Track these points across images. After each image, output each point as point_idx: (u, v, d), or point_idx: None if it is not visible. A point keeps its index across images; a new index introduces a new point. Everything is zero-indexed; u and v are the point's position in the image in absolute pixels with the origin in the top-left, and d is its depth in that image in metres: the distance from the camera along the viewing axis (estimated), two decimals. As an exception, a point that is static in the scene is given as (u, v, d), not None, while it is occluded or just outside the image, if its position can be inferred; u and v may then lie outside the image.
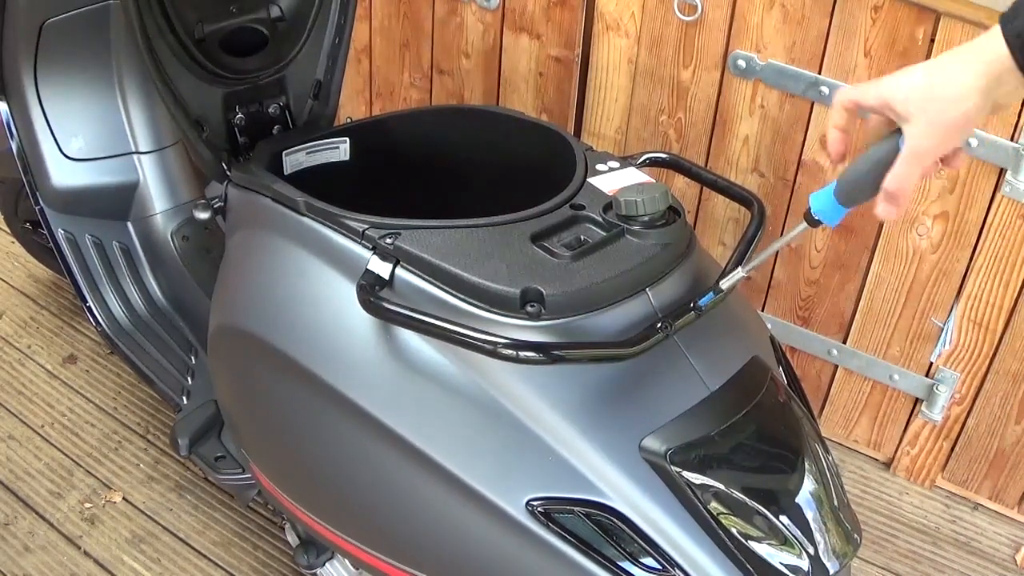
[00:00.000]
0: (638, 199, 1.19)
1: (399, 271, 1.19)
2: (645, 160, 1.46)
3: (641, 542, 1.10)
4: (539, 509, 1.12)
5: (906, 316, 1.90)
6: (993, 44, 0.86)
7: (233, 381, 1.52)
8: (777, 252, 1.96)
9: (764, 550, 1.11)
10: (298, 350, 1.30)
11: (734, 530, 1.10)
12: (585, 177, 1.33)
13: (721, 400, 1.16)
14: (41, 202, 1.87)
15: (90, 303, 1.89)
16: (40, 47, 1.76)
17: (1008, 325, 1.80)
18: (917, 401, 1.98)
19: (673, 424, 1.12)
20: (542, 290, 1.12)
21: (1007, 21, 0.85)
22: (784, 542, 1.12)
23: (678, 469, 1.10)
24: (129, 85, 1.87)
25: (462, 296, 1.15)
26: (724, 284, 1.13)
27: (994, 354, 1.85)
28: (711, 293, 1.14)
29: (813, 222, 1.00)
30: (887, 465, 2.08)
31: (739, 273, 1.12)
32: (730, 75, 1.87)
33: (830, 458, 1.23)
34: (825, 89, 1.77)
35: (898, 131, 0.93)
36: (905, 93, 0.91)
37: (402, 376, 1.20)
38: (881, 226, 1.84)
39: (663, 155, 1.47)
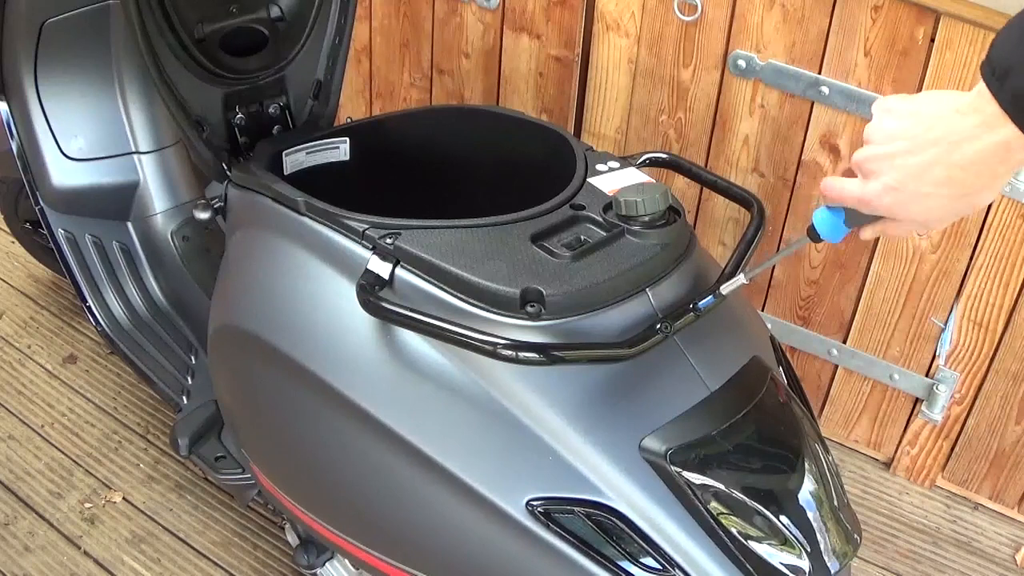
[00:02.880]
0: (638, 199, 1.19)
1: (399, 271, 1.19)
2: (645, 160, 1.46)
3: (641, 542, 1.10)
4: (539, 509, 1.12)
5: (906, 316, 1.90)
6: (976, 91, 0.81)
7: (233, 381, 1.52)
8: (777, 250, 1.97)
9: (764, 550, 1.11)
10: (298, 350, 1.30)
11: (734, 530, 1.10)
12: (585, 177, 1.33)
13: (721, 400, 1.16)
14: (41, 202, 1.87)
15: (90, 303, 1.89)
16: (40, 47, 1.77)
17: (1008, 325, 1.80)
18: (917, 401, 1.98)
19: (673, 424, 1.12)
20: (542, 290, 1.12)
21: (991, 77, 0.78)
22: (784, 542, 1.12)
23: (678, 469, 1.10)
24: (129, 85, 1.87)
25: (462, 296, 1.15)
26: (724, 289, 1.12)
27: (994, 354, 1.85)
28: (711, 296, 1.14)
29: (816, 238, 0.99)
30: (887, 465, 2.08)
31: (740, 279, 1.11)
32: (730, 75, 1.87)
33: (830, 458, 1.23)
34: (825, 89, 1.77)
35: None
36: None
37: (402, 376, 1.20)
38: (881, 226, 1.84)
39: (663, 155, 1.47)
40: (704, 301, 1.14)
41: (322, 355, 1.28)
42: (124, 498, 1.89)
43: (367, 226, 1.23)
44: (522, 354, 1.06)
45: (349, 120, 1.62)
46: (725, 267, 1.22)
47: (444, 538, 1.22)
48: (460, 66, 2.22)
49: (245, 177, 1.45)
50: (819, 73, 1.78)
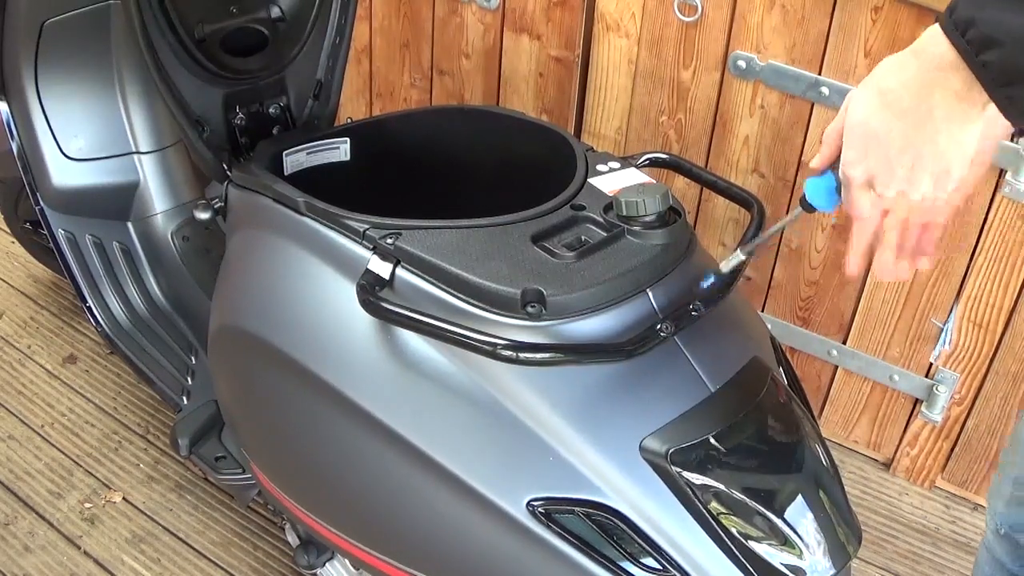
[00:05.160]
0: (639, 200, 1.19)
1: (399, 271, 1.19)
2: (645, 161, 1.46)
3: (641, 542, 1.10)
4: (540, 509, 1.12)
5: (906, 317, 1.90)
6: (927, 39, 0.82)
7: (233, 381, 1.52)
8: (777, 251, 1.97)
9: (764, 550, 1.11)
10: (298, 350, 1.30)
11: (734, 530, 1.10)
12: (586, 177, 1.33)
13: (722, 400, 1.16)
14: (41, 202, 1.87)
15: (90, 303, 1.89)
16: (40, 47, 1.77)
17: (1008, 325, 1.81)
18: (917, 402, 1.98)
19: (674, 424, 1.12)
20: (543, 291, 1.12)
21: (947, 15, 0.80)
22: (784, 542, 1.12)
23: (679, 469, 1.10)
24: (129, 85, 1.87)
25: (463, 296, 1.15)
26: (725, 267, 1.12)
27: (994, 355, 1.85)
28: (712, 276, 1.13)
29: (808, 207, 0.98)
30: (887, 466, 2.08)
31: (738, 256, 1.11)
32: (730, 76, 1.87)
33: (830, 458, 1.23)
34: (825, 90, 1.77)
35: None
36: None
37: (402, 376, 1.20)
38: (881, 227, 1.84)
39: (663, 156, 1.48)
40: (706, 281, 1.13)
41: (322, 355, 1.28)
42: (124, 498, 1.89)
43: (368, 226, 1.23)
44: (522, 354, 1.06)
45: (349, 120, 1.63)
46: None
47: (444, 538, 1.22)
48: (460, 66, 2.22)
49: (245, 177, 1.45)
50: (819, 74, 1.78)
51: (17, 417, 2.04)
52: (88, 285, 1.89)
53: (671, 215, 1.22)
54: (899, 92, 0.82)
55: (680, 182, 1.97)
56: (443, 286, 1.16)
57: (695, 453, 1.11)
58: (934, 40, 0.79)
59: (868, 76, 0.86)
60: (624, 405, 1.13)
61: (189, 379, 1.83)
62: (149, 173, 1.93)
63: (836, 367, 2.04)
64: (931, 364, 1.92)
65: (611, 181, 1.33)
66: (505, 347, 1.05)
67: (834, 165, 0.94)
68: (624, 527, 1.10)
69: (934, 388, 1.92)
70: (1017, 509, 1.27)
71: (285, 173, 1.51)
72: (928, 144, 0.82)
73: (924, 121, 0.81)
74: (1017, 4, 0.75)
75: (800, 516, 1.14)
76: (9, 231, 2.30)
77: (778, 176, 1.91)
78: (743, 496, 1.11)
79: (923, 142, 0.82)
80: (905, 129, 0.82)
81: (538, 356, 1.07)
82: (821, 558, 1.13)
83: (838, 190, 0.95)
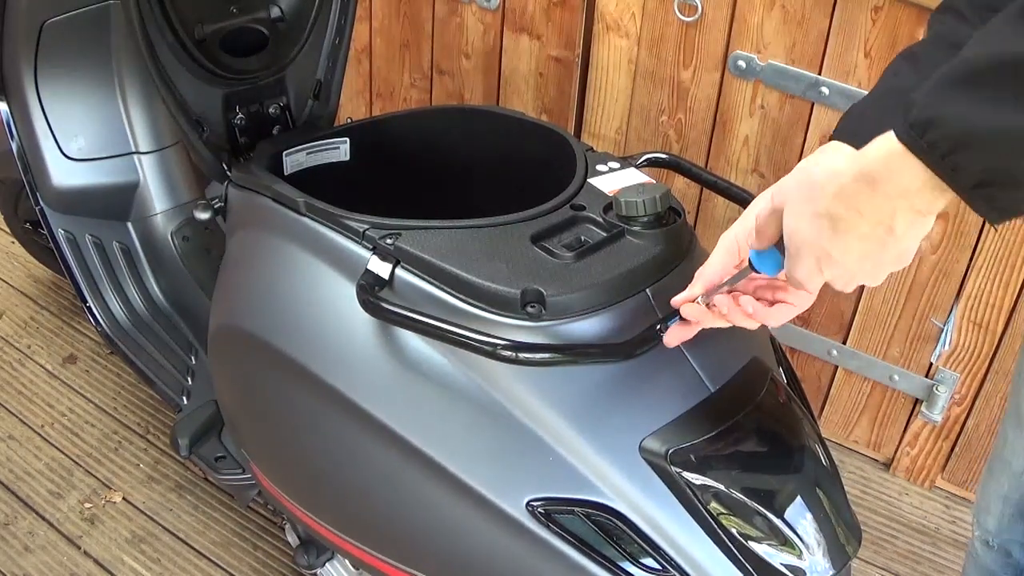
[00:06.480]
0: (638, 200, 1.19)
1: (399, 271, 1.19)
2: (645, 160, 1.46)
3: (641, 542, 1.10)
4: (539, 509, 1.12)
5: (906, 317, 1.90)
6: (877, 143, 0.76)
7: (233, 381, 1.52)
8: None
9: (764, 550, 1.11)
10: (298, 350, 1.30)
11: (734, 530, 1.10)
12: (585, 177, 1.33)
13: (721, 401, 1.15)
14: (41, 202, 1.87)
15: (90, 303, 1.89)
16: (40, 47, 1.77)
17: (1008, 325, 1.80)
18: (917, 402, 1.98)
19: (673, 424, 1.12)
20: (542, 291, 1.12)
21: (902, 115, 0.73)
22: (784, 542, 1.12)
23: (678, 469, 1.10)
24: (129, 85, 1.88)
25: (462, 297, 1.15)
26: (684, 313, 1.04)
27: (994, 354, 1.85)
28: (677, 318, 1.06)
29: (754, 269, 0.95)
30: (887, 465, 2.08)
31: (699, 304, 1.03)
32: (730, 76, 1.87)
33: (830, 459, 1.23)
34: (825, 90, 1.77)
35: None
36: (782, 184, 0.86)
37: (402, 376, 1.20)
38: (881, 227, 1.84)
39: (663, 155, 1.47)
40: (671, 321, 1.07)
41: (322, 355, 1.27)
42: (124, 498, 1.89)
43: (367, 226, 1.23)
44: (522, 355, 1.06)
45: (349, 120, 1.62)
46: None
47: (444, 538, 1.22)
48: (460, 66, 2.22)
49: (245, 177, 1.45)
50: (819, 74, 1.78)
51: (17, 417, 2.04)
52: (88, 285, 1.89)
53: (671, 215, 1.22)
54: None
55: (680, 182, 1.97)
56: (443, 286, 1.16)
57: (695, 453, 1.11)
58: (877, 143, 0.74)
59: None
60: (624, 405, 1.13)
61: (189, 379, 1.83)
62: (149, 173, 1.93)
63: (836, 367, 2.04)
64: (931, 364, 1.92)
65: (611, 181, 1.33)
66: (505, 347, 1.05)
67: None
68: (624, 527, 1.10)
69: (934, 388, 1.92)
70: (1009, 524, 1.27)
71: (285, 173, 1.51)
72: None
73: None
74: (988, 101, 0.68)
75: (800, 516, 1.14)
76: (9, 231, 2.30)
77: (778, 176, 1.90)
78: (743, 496, 1.11)
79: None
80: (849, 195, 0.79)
81: (538, 356, 1.07)
82: (821, 558, 1.13)
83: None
